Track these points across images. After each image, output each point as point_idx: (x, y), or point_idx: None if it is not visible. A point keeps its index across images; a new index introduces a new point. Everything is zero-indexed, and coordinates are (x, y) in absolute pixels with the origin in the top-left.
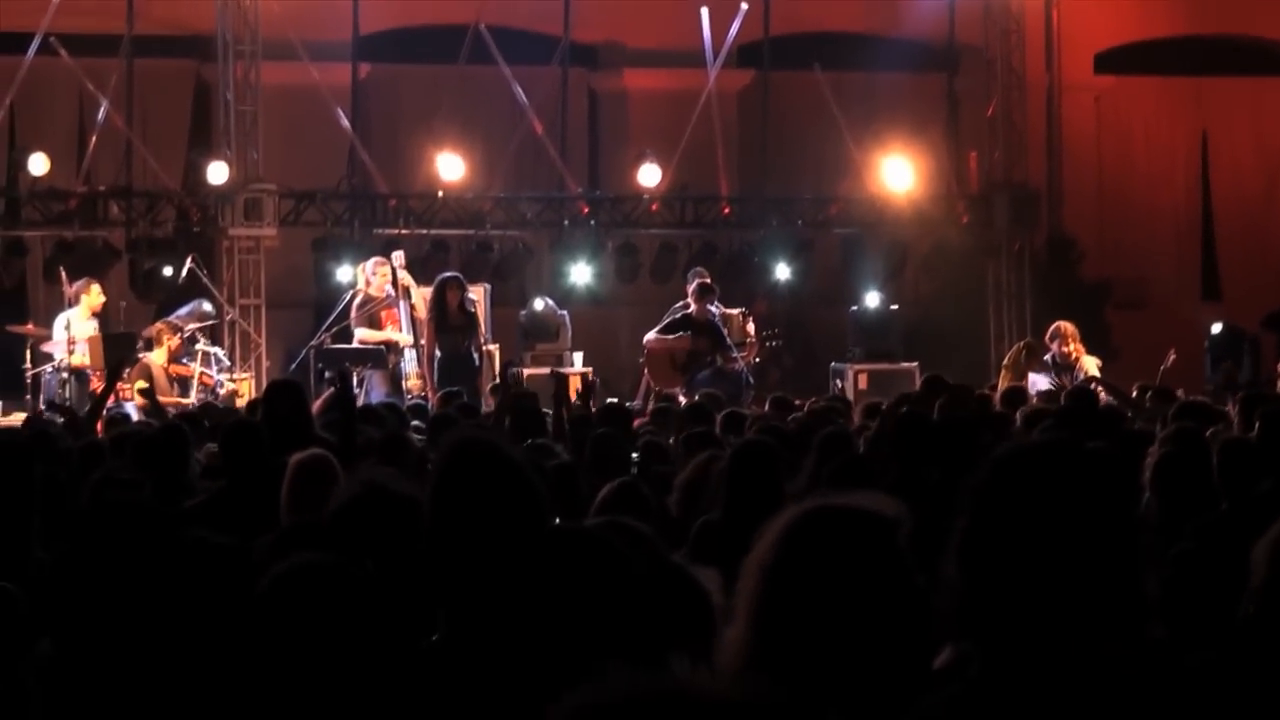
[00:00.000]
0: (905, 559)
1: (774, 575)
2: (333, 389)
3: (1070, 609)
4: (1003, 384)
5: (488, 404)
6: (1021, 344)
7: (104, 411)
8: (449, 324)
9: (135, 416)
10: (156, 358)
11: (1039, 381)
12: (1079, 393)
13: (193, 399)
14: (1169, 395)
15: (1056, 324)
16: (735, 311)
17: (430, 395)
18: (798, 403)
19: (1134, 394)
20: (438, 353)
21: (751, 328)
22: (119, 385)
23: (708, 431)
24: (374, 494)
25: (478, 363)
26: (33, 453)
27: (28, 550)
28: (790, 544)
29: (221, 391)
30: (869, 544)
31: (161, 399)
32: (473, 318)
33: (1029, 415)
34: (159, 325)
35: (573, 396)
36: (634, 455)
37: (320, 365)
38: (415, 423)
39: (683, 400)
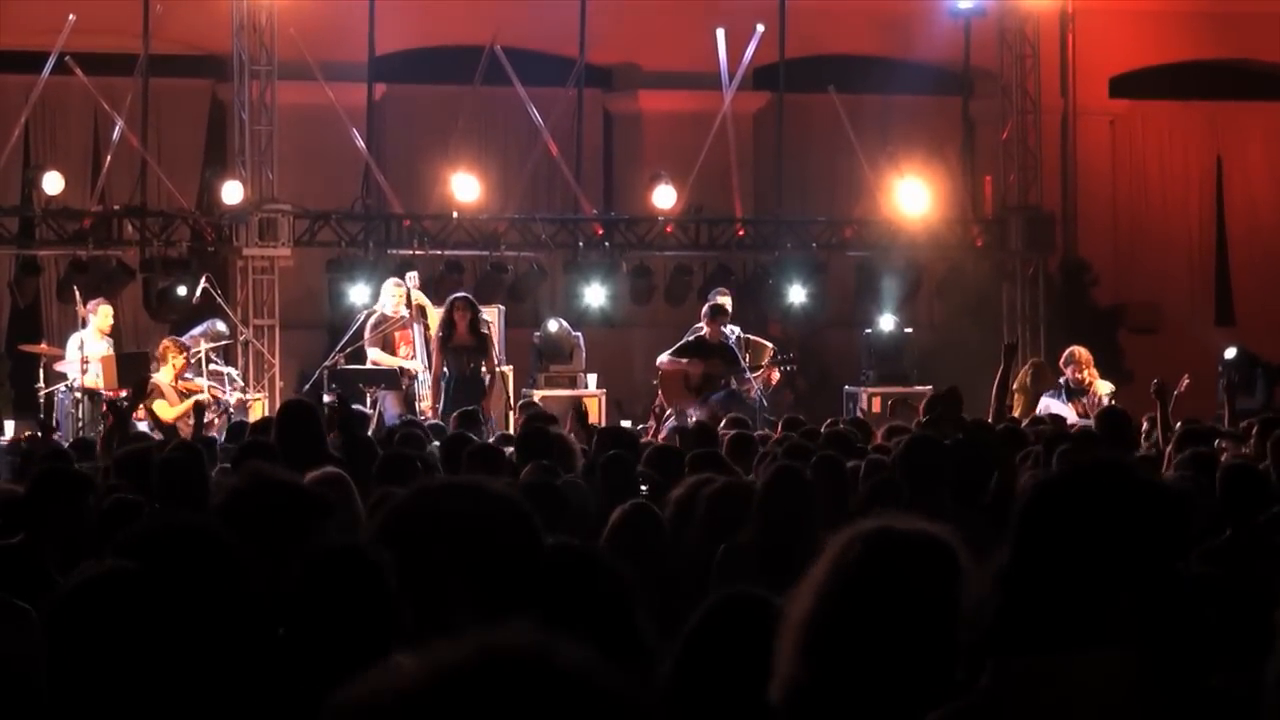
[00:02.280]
0: (962, 582)
1: (841, 597)
2: (330, 411)
3: (1113, 630)
4: (1018, 408)
5: (498, 426)
6: (1030, 364)
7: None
8: (455, 344)
9: (153, 437)
10: (163, 375)
11: (1052, 406)
12: (1111, 418)
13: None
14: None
15: (1071, 349)
16: (768, 346)
17: (434, 415)
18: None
19: (1144, 425)
20: (444, 372)
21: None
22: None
23: (712, 453)
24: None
25: (487, 384)
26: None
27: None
28: (861, 566)
29: (232, 401)
30: (935, 567)
31: (169, 416)
32: (484, 339)
33: (1048, 438)
34: (165, 342)
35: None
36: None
37: (333, 385)
38: (436, 443)
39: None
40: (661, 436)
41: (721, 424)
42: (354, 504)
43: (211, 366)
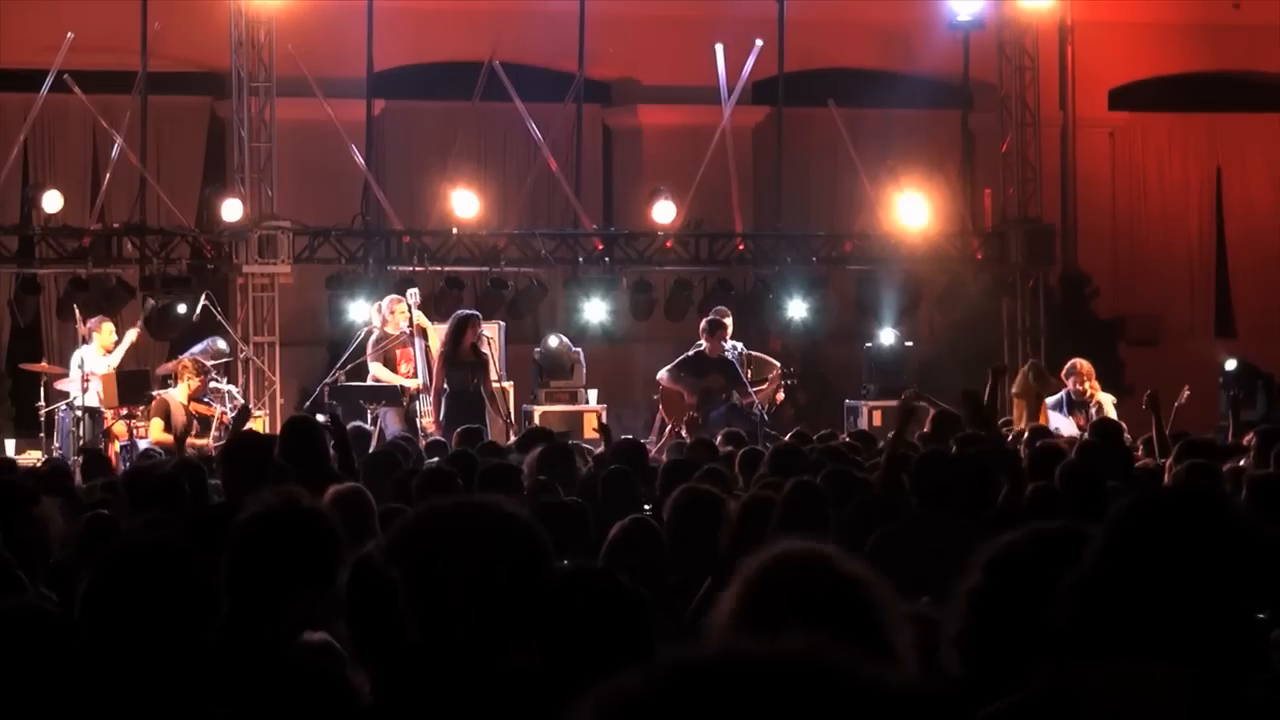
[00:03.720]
0: None
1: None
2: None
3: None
4: (1018, 413)
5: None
6: (1026, 367)
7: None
8: (460, 360)
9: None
10: (178, 394)
11: (1057, 422)
12: (1105, 429)
13: (210, 440)
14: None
15: (1073, 361)
16: (773, 363)
17: (437, 431)
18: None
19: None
20: (445, 388)
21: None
22: (134, 423)
23: (714, 469)
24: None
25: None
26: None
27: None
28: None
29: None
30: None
31: (159, 438)
32: (484, 357)
33: (1042, 454)
34: (184, 361)
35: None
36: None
37: (334, 402)
38: (434, 458)
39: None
40: (654, 451)
41: (719, 439)
42: (373, 520)
43: (212, 384)
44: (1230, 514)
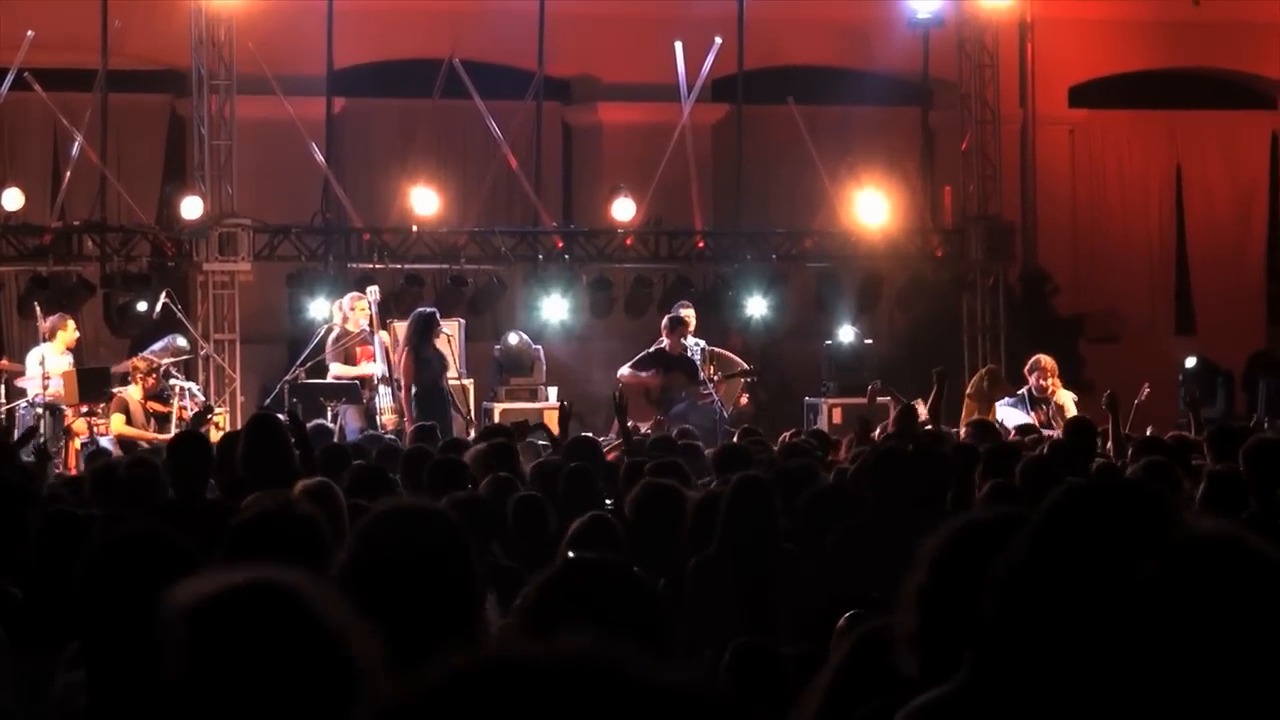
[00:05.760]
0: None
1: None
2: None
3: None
4: (966, 414)
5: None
6: (984, 371)
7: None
8: (428, 357)
9: (114, 451)
10: (134, 393)
11: (1009, 415)
12: (1079, 427)
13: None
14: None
15: (1035, 357)
16: (737, 360)
17: (409, 428)
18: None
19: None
20: (414, 387)
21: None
22: (94, 420)
23: (671, 462)
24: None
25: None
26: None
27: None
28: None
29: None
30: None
31: (137, 434)
32: (442, 354)
33: (999, 450)
34: (135, 361)
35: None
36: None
37: (294, 400)
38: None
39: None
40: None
41: (674, 433)
42: (342, 515)
43: (172, 381)
44: (1162, 505)
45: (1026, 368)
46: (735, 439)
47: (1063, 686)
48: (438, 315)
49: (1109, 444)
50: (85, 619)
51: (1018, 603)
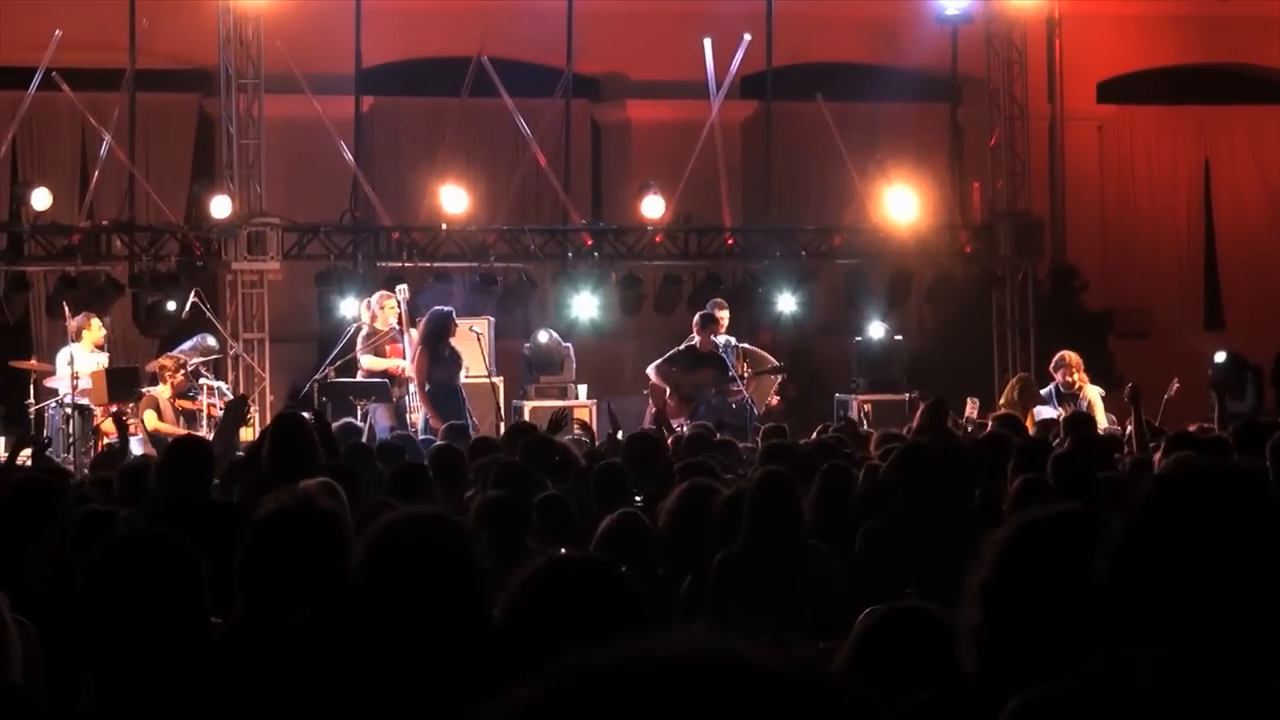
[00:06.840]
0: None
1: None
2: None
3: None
4: None
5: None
6: (1015, 380)
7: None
8: (443, 356)
9: (142, 450)
10: (162, 392)
11: (1042, 411)
12: (1078, 420)
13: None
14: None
15: (1061, 353)
16: (769, 358)
17: (437, 425)
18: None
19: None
20: (427, 385)
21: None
22: (128, 420)
23: (700, 462)
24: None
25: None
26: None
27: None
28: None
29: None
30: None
31: (169, 429)
32: (457, 353)
33: (1030, 446)
34: (162, 360)
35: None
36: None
37: (323, 399)
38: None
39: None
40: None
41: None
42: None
43: (201, 381)
44: (1272, 494)
45: (1051, 364)
46: (759, 437)
47: (1203, 673)
48: (454, 315)
49: (1132, 436)
50: (86, 619)
51: (1127, 593)
